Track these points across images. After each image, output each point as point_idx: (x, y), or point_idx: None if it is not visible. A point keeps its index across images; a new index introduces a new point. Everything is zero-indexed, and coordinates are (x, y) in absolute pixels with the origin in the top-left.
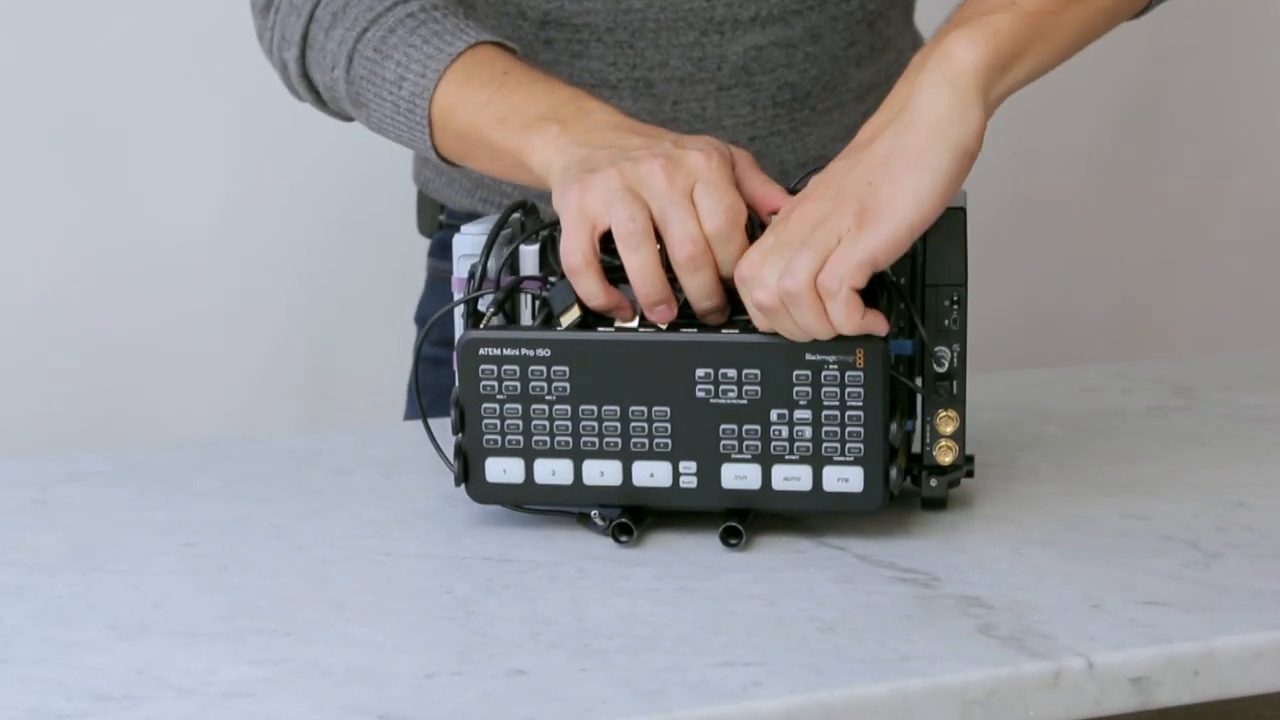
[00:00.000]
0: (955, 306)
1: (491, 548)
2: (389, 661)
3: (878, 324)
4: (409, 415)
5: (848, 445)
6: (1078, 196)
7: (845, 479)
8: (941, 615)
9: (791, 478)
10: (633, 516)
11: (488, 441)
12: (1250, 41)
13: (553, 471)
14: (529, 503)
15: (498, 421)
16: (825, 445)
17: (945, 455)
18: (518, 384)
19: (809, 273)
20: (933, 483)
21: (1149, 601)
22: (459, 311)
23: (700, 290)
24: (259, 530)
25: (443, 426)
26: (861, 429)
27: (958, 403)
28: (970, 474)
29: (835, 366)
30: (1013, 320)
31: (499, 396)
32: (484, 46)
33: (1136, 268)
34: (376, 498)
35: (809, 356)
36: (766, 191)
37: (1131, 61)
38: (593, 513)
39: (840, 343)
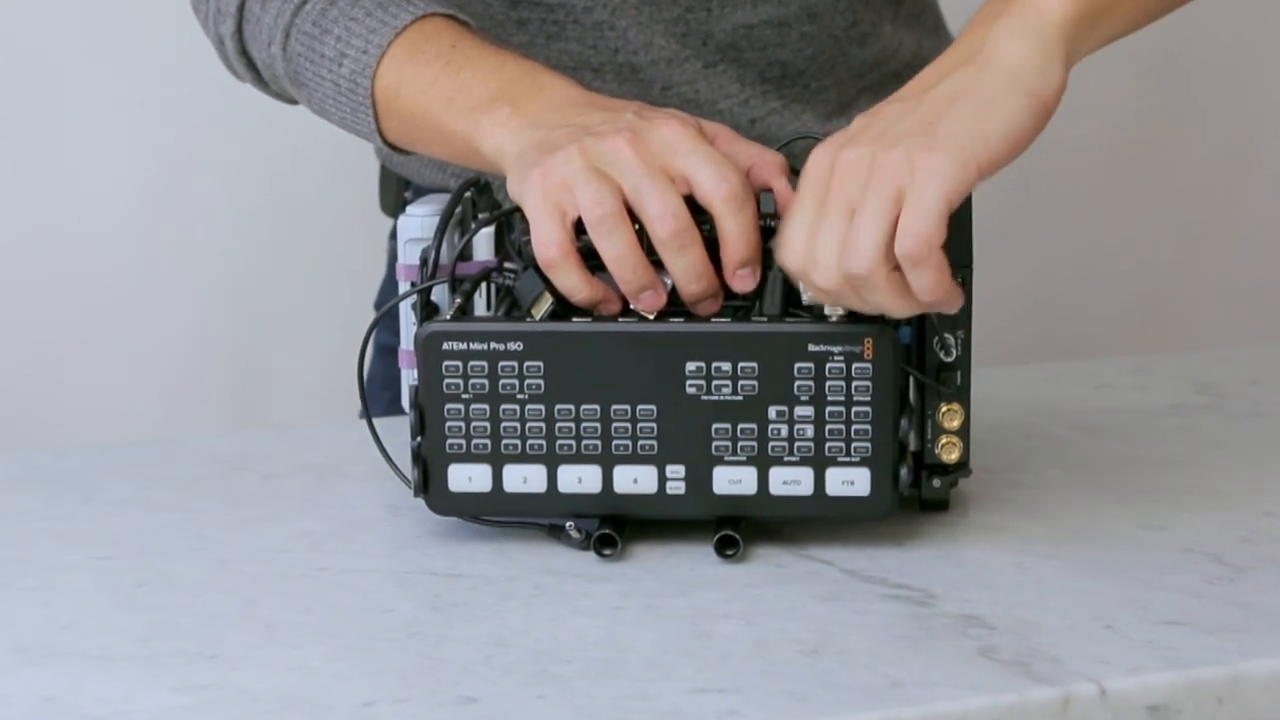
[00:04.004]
0: (960, 289)
1: (439, 562)
2: (325, 688)
3: (957, 294)
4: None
5: (854, 444)
6: (1092, 177)
7: (850, 481)
8: (938, 636)
9: (791, 481)
10: (613, 527)
11: (451, 446)
12: (1276, 16)
13: (524, 479)
14: (496, 514)
15: (462, 424)
16: (829, 445)
17: (950, 452)
18: (485, 381)
19: (876, 246)
20: (935, 483)
21: (1168, 621)
22: (411, 303)
23: (688, 271)
24: (181, 542)
25: (390, 426)
26: (869, 426)
27: (963, 395)
28: (968, 472)
29: (841, 358)
30: (1019, 310)
31: (464, 396)
32: (432, 19)
33: (1156, 253)
34: (311, 506)
35: (812, 348)
36: (763, 159)
37: (1151, 36)
38: (567, 524)
39: (846, 332)
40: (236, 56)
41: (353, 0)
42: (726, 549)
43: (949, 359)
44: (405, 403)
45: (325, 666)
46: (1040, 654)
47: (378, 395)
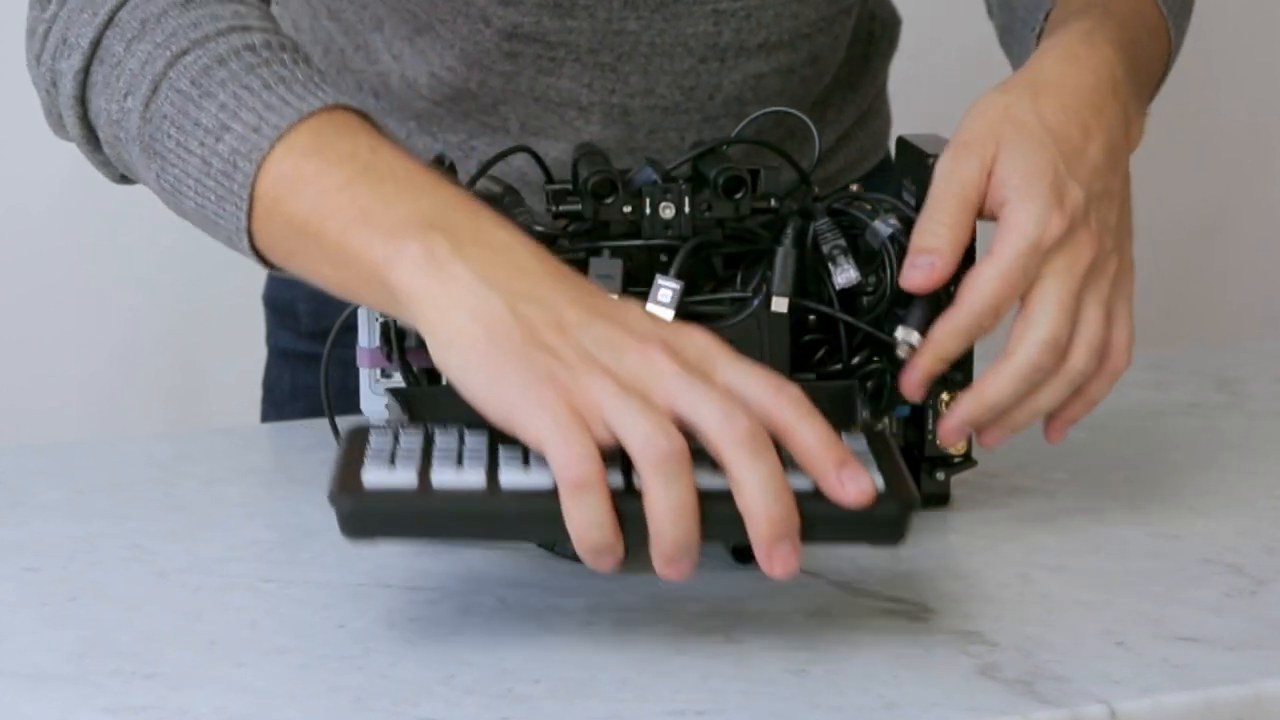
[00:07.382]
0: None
1: (395, 574)
2: (272, 709)
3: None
4: (267, 417)
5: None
6: None
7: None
8: (935, 654)
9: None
10: None
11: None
12: None
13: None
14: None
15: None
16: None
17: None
18: None
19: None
20: (939, 476)
21: (1184, 637)
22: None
23: (767, 487)
24: (115, 552)
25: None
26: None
27: (968, 383)
28: (974, 463)
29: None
30: None
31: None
32: (344, 111)
33: (1174, 244)
34: (256, 513)
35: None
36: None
37: None
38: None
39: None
40: (71, 103)
41: (249, 65)
42: (745, 558)
43: None
44: (364, 404)
45: (272, 686)
46: (1045, 673)
47: (285, 407)
